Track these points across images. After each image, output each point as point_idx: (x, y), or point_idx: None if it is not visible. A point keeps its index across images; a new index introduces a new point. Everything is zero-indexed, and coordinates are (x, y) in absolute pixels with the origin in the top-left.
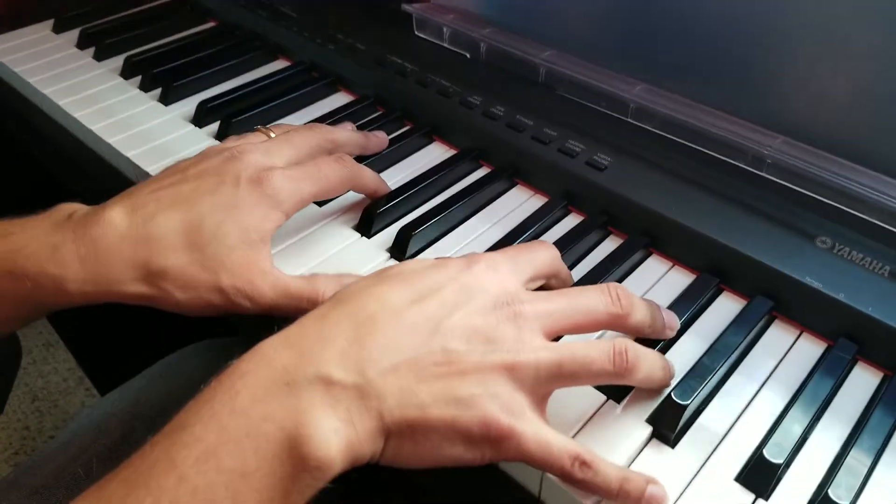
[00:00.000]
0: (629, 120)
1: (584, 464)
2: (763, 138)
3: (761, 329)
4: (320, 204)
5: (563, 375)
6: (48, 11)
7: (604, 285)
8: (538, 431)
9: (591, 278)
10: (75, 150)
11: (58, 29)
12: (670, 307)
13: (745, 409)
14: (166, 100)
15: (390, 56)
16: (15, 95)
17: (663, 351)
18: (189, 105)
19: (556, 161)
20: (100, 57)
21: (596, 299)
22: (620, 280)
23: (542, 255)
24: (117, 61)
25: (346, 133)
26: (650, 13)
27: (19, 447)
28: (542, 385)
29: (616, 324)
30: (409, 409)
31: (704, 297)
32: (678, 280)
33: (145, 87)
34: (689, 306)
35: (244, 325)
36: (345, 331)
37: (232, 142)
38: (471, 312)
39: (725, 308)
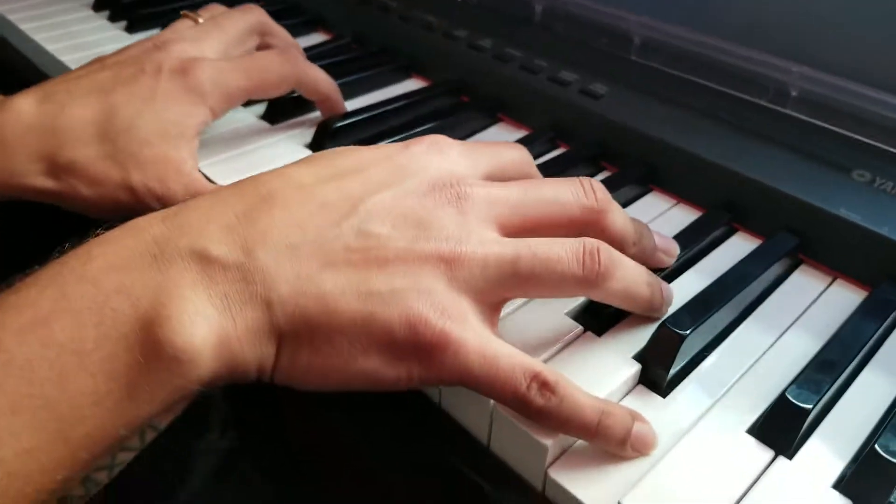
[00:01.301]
0: (633, 57)
1: (545, 385)
2: (786, 68)
3: (784, 270)
4: (272, 121)
5: (519, 276)
6: None
7: (572, 178)
8: (484, 342)
9: None
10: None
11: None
12: (674, 237)
13: (762, 356)
14: (132, 29)
15: None
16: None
17: None
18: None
19: (545, 90)
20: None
21: (565, 189)
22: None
23: (509, 152)
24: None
25: (314, 70)
26: None
27: None
28: (490, 287)
29: (591, 223)
30: (308, 299)
31: (715, 232)
32: (683, 217)
33: (114, 19)
34: (696, 239)
35: None
36: (236, 205)
37: (162, 33)
38: (401, 193)
39: (740, 248)
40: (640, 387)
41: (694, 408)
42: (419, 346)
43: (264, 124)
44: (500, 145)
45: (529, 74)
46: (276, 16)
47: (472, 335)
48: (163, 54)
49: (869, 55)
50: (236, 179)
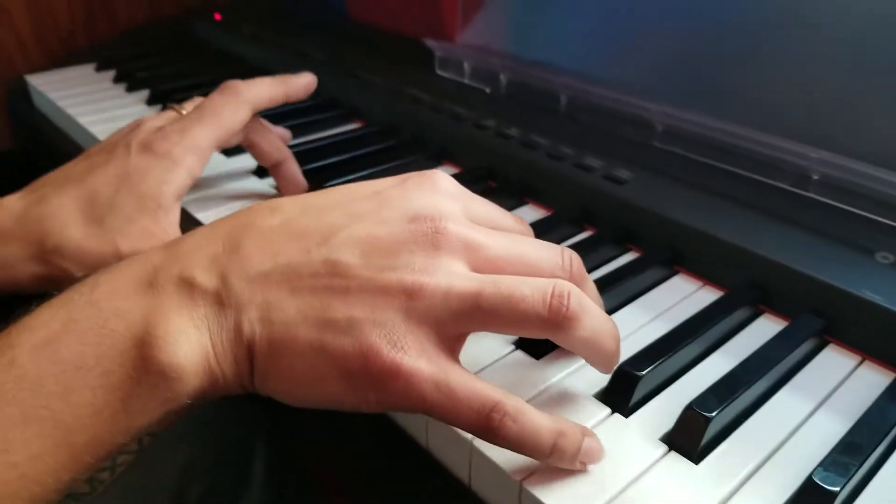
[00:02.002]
0: (656, 144)
1: (503, 413)
2: (806, 155)
3: (811, 350)
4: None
5: (481, 311)
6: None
7: (555, 245)
8: (439, 372)
9: (600, 289)
10: None
11: (100, 68)
12: (696, 315)
13: (788, 436)
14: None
15: (407, 89)
16: (48, 123)
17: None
18: None
19: (571, 175)
20: (131, 89)
21: (545, 255)
22: (638, 295)
23: (508, 217)
24: (145, 93)
25: (256, 84)
26: (672, 33)
27: None
28: (451, 319)
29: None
30: (273, 325)
31: (740, 314)
32: (709, 298)
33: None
34: (720, 321)
35: None
36: (225, 236)
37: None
38: (377, 222)
39: (765, 329)
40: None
41: (718, 489)
42: (372, 376)
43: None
44: (504, 211)
45: (555, 161)
46: (313, 110)
47: (427, 366)
48: (133, 134)
49: (887, 139)
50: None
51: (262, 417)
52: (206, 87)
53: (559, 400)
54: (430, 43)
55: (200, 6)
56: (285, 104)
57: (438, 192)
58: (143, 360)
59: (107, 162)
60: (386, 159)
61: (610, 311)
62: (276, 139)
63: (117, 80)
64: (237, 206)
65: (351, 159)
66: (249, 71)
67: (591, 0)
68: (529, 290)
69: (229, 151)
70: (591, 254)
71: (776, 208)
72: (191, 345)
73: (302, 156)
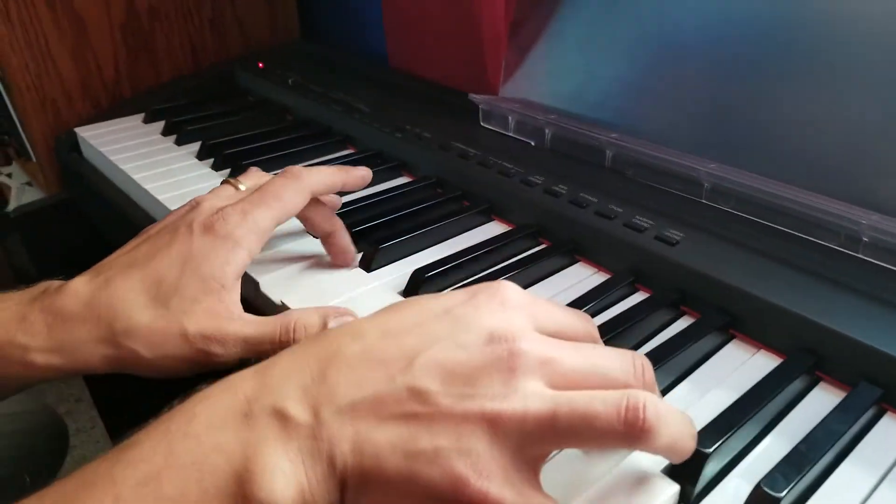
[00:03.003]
0: (704, 201)
1: None
2: (856, 216)
3: (868, 420)
4: (367, 269)
5: (558, 432)
6: (145, 108)
7: (628, 352)
8: (522, 500)
9: (656, 357)
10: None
11: (148, 119)
12: (756, 387)
13: None
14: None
15: (454, 142)
16: (98, 174)
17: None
18: None
19: (622, 236)
20: (180, 142)
21: (617, 364)
22: (697, 365)
23: (574, 320)
24: (195, 146)
25: (317, 172)
26: (724, 93)
27: None
28: (530, 443)
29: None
30: (363, 457)
31: (796, 384)
32: (765, 365)
33: (216, 167)
34: (777, 393)
35: None
36: (311, 364)
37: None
38: (454, 346)
39: (823, 400)
40: None
41: None
42: None
43: (360, 271)
44: (569, 311)
45: (605, 220)
46: (359, 163)
47: (511, 494)
48: (194, 213)
49: None
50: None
51: None
52: (255, 140)
53: (625, 476)
54: (475, 97)
55: (242, 55)
56: (334, 161)
57: (508, 308)
58: (243, 496)
59: (170, 244)
60: (438, 217)
61: (672, 384)
62: (328, 211)
63: (166, 132)
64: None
65: (404, 216)
66: (297, 124)
67: (636, 56)
68: (603, 406)
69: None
70: (649, 318)
71: (827, 270)
72: (287, 479)
73: (356, 212)
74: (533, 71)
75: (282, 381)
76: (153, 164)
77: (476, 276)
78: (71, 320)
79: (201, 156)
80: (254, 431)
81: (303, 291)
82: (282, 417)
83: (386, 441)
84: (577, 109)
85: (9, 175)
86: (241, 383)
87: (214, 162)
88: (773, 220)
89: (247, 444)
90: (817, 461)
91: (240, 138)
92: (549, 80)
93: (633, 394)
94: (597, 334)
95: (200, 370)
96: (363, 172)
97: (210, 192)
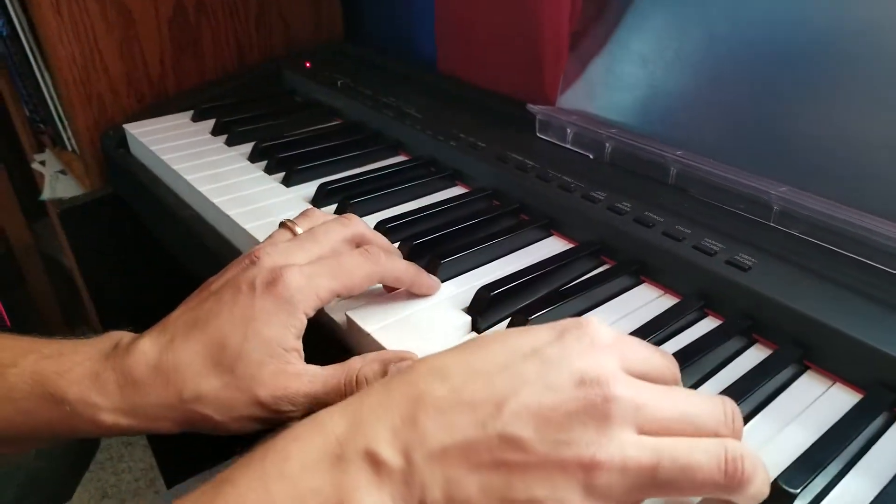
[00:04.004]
0: (772, 224)
1: None
2: None
3: None
4: None
5: (657, 483)
6: (193, 104)
7: (717, 397)
8: None
9: (734, 392)
10: (195, 224)
11: (196, 118)
12: (836, 426)
13: None
14: (288, 182)
15: (510, 153)
16: (147, 172)
17: None
18: (309, 188)
19: (691, 258)
20: (231, 143)
21: (708, 411)
22: (772, 397)
23: (662, 361)
24: (247, 147)
25: (395, 262)
26: (793, 113)
27: None
28: (627, 493)
29: None
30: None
31: (877, 416)
32: (841, 401)
33: (269, 170)
34: (854, 434)
35: None
36: (399, 405)
37: (259, 246)
38: (545, 389)
39: None
40: None
41: None
42: None
43: None
44: (655, 350)
45: (673, 241)
46: (413, 170)
47: None
48: (256, 270)
49: None
50: (401, 342)
51: None
52: (307, 144)
53: None
54: (533, 108)
55: (286, 53)
56: (385, 169)
57: (597, 348)
58: None
59: (232, 304)
60: (498, 231)
61: (747, 417)
62: (411, 271)
63: (216, 132)
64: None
65: (462, 229)
66: (347, 127)
67: (701, 71)
68: (705, 457)
69: (289, 182)
70: (722, 346)
71: None
72: None
73: (415, 223)
74: (592, 83)
75: (372, 422)
76: (205, 165)
77: (541, 296)
78: (141, 384)
79: (253, 158)
80: (347, 475)
81: (367, 307)
82: (374, 461)
83: (478, 489)
84: (637, 124)
85: (41, 162)
86: (331, 423)
87: (268, 165)
88: (846, 247)
89: (341, 488)
90: None
91: (292, 141)
92: (609, 92)
93: (732, 445)
94: (678, 374)
95: (271, 426)
96: (432, 283)
97: (268, 239)
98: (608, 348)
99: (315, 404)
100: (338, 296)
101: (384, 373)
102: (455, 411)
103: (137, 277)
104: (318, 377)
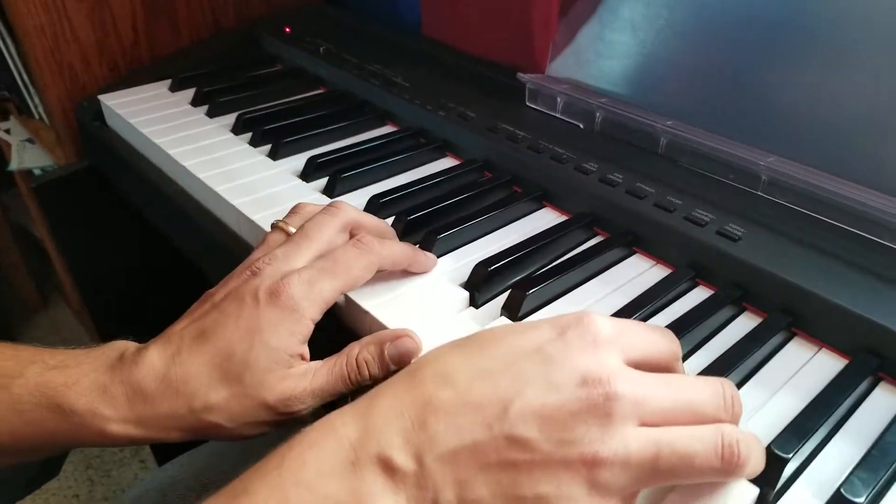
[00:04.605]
0: (760, 193)
1: None
2: None
3: None
4: None
5: (658, 473)
6: (169, 73)
7: (716, 381)
8: None
9: (726, 361)
10: (181, 200)
11: (174, 87)
12: (824, 392)
13: None
14: (275, 155)
15: (501, 124)
16: (125, 145)
17: None
18: (297, 161)
19: (683, 229)
20: (212, 114)
21: (707, 397)
22: (760, 366)
23: (662, 342)
24: (229, 118)
25: (390, 246)
26: (783, 83)
27: None
28: (630, 484)
29: None
30: (467, 503)
31: (862, 382)
32: (828, 366)
33: (255, 143)
34: (846, 391)
35: None
36: (409, 408)
37: (257, 253)
38: (548, 389)
39: (885, 403)
40: None
41: None
42: None
43: None
44: (654, 332)
45: (664, 212)
46: (402, 141)
47: None
48: (258, 280)
49: None
50: (399, 318)
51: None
52: (292, 115)
53: None
54: (523, 76)
55: (264, 17)
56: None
57: (599, 345)
58: None
59: (237, 315)
60: (491, 204)
61: (738, 385)
62: (407, 252)
63: (196, 102)
64: (287, 207)
65: (455, 202)
66: (332, 96)
67: (693, 39)
68: (702, 445)
69: (276, 155)
70: (714, 316)
71: (886, 269)
72: None
73: (408, 197)
74: (582, 50)
75: (384, 426)
76: (188, 138)
77: (537, 270)
78: (151, 396)
79: (237, 130)
80: (363, 481)
81: (364, 285)
82: (388, 466)
83: (487, 489)
84: (627, 92)
85: (7, 131)
86: (344, 428)
87: (252, 137)
88: (832, 216)
89: (357, 492)
90: (892, 464)
91: (276, 112)
92: (599, 60)
93: (727, 431)
94: (679, 351)
95: (282, 426)
96: (430, 261)
97: (262, 244)
98: (609, 343)
99: (323, 397)
100: (342, 293)
101: (381, 353)
102: (462, 413)
103: (117, 251)
104: (321, 371)
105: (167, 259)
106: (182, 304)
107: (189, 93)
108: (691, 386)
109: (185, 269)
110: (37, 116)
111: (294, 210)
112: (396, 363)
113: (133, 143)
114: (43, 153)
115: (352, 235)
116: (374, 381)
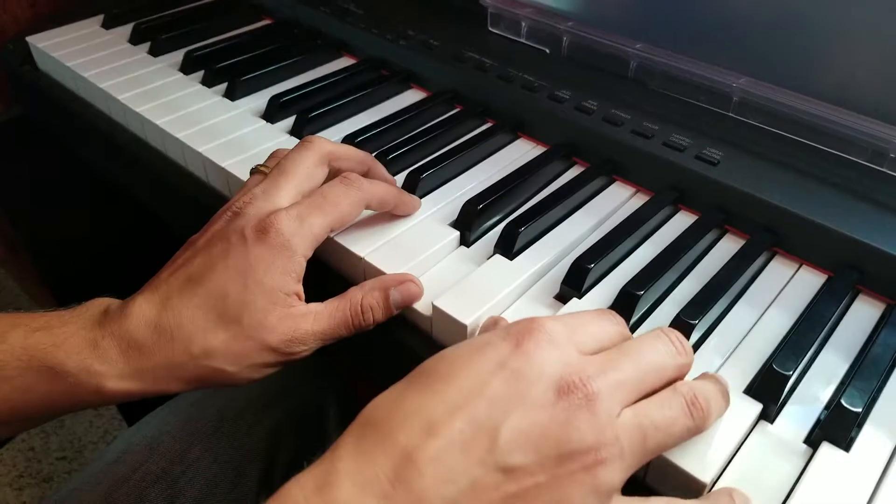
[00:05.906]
0: (731, 114)
1: None
2: (883, 132)
3: None
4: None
5: (650, 451)
6: (94, 9)
7: (659, 333)
8: None
9: (717, 284)
10: (136, 148)
11: (108, 24)
12: (810, 311)
13: None
14: (233, 95)
15: (467, 52)
16: (66, 93)
17: None
18: (256, 101)
19: (662, 155)
20: (156, 52)
21: (661, 351)
22: (748, 286)
23: (607, 327)
24: (175, 56)
25: (377, 185)
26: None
27: (24, 469)
28: (628, 470)
29: (682, 376)
30: None
31: (845, 296)
32: (812, 282)
33: (208, 83)
34: (832, 306)
35: None
36: (383, 468)
37: (236, 196)
38: (531, 409)
39: (865, 314)
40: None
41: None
42: None
43: None
44: (601, 320)
45: (643, 139)
46: (365, 74)
47: None
48: (242, 220)
49: None
50: (394, 264)
51: (335, 382)
52: (244, 51)
53: None
54: (485, 0)
55: None
56: (334, 75)
57: (557, 345)
58: None
59: (226, 256)
60: (469, 139)
61: (730, 307)
62: (393, 192)
63: (135, 40)
64: (258, 152)
65: (432, 138)
66: (278, 28)
67: None
68: (672, 411)
69: (234, 94)
70: (700, 240)
71: (859, 186)
72: None
73: (382, 135)
74: None
75: (355, 496)
76: (134, 80)
77: (523, 203)
78: (145, 346)
79: (186, 69)
80: None
81: (354, 232)
82: None
83: None
84: (591, 14)
85: None
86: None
87: (205, 77)
88: (806, 136)
89: None
90: (882, 373)
91: (224, 48)
92: None
93: (684, 389)
94: (626, 329)
95: (285, 366)
96: (415, 202)
97: (242, 189)
98: (565, 343)
99: (325, 340)
100: (332, 230)
101: (386, 298)
102: (448, 456)
103: (64, 202)
104: (323, 313)
105: (125, 213)
106: (153, 261)
107: (125, 30)
108: (646, 347)
109: (149, 224)
110: None
111: (273, 155)
112: (400, 308)
113: (74, 90)
114: None
115: (332, 169)
116: (377, 326)
